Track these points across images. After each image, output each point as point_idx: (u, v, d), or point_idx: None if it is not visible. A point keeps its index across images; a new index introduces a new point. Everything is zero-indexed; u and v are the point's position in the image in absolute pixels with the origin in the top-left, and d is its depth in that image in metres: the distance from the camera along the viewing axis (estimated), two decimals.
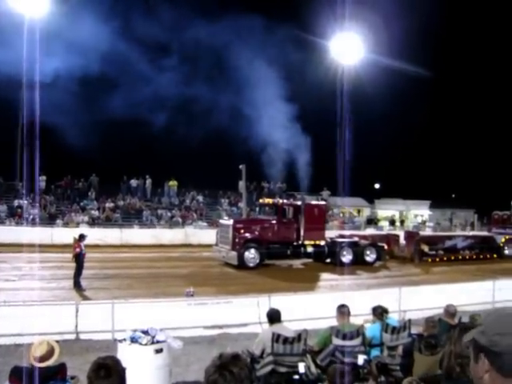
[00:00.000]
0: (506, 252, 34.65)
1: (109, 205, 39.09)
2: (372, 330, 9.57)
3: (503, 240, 34.96)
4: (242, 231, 27.77)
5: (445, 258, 31.91)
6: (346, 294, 14.73)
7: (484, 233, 39.39)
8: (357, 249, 29.44)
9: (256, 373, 8.22)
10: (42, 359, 6.01)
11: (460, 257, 32.47)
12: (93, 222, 36.00)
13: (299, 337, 8.60)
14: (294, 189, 46.47)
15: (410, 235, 33.85)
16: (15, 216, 35.19)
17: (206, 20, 32.34)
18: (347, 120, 30.20)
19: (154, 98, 33.40)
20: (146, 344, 8.62)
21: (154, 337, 8.75)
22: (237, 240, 27.13)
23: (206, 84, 33.31)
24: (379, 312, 9.82)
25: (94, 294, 18.86)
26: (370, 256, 29.69)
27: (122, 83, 32.76)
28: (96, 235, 30.36)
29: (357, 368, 8.61)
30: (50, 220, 35.45)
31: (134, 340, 8.68)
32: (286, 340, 8.48)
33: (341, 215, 46.26)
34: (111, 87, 32.68)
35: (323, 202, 33.35)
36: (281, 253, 27.78)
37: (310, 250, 28.45)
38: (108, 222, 36.74)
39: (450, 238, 34.39)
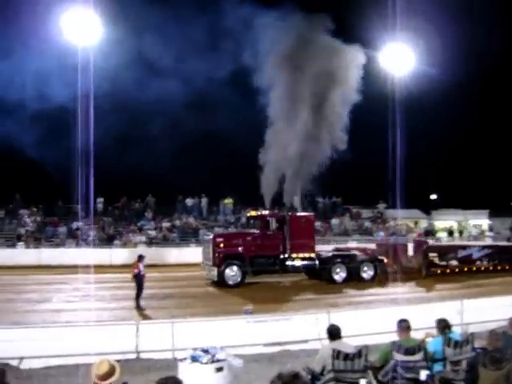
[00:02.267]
0: None
1: (165, 224, 39.51)
2: (434, 344, 9.34)
3: None
4: (222, 246, 26.13)
5: (457, 270, 29.60)
6: (404, 308, 14.52)
7: (504, 242, 36.94)
8: (352, 264, 27.31)
9: None
10: (104, 377, 6.08)
11: (474, 268, 30.09)
12: (150, 242, 36.40)
13: (360, 353, 8.48)
14: (350, 202, 46.22)
15: (417, 244, 31.12)
16: (74, 238, 35.90)
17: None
18: (400, 131, 29.75)
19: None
20: (206, 363, 8.64)
21: (214, 355, 8.76)
22: (216, 255, 25.64)
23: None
24: (442, 326, 9.60)
25: (153, 313, 19.04)
26: (367, 272, 27.41)
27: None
28: (153, 255, 30.64)
29: (419, 383, 8.45)
30: (108, 241, 36.07)
31: (194, 359, 8.71)
32: (346, 356, 8.37)
33: (400, 227, 45.51)
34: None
35: (311, 213, 30.58)
36: (266, 268, 26.27)
37: (298, 263, 26.72)
38: (165, 242, 37.11)
39: (464, 247, 31.83)
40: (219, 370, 8.67)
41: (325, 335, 9.16)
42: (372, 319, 14.84)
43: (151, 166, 37.33)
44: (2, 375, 5.93)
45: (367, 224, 43.93)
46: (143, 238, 36.81)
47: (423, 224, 51.77)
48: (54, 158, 32.56)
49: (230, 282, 25.10)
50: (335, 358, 8.32)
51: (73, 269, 25.21)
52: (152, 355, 13.24)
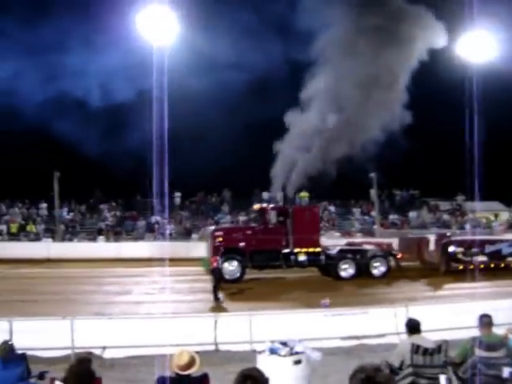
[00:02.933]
0: None
1: (242, 218, 39.79)
2: None
3: None
4: (221, 239, 25.36)
5: (482, 266, 25.98)
6: (486, 303, 14.17)
7: None
8: (361, 260, 25.79)
9: None
10: (185, 368, 6.19)
11: (502, 264, 26.96)
12: None
13: (439, 348, 8.33)
14: (428, 195, 45.34)
15: (438, 238, 28.21)
16: (152, 232, 36.67)
17: None
18: (478, 121, 28.60)
19: None
20: (285, 355, 8.68)
21: (292, 348, 8.80)
22: (215, 249, 24.63)
23: None
24: None
25: (231, 305, 19.23)
26: (378, 268, 25.79)
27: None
28: None
29: (501, 381, 8.24)
30: (185, 235, 36.64)
31: (273, 351, 8.77)
32: (425, 351, 8.23)
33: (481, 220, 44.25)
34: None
35: (316, 206, 29.93)
36: (267, 262, 25.14)
37: (302, 258, 25.25)
38: None
39: (492, 242, 28.38)
40: (297, 362, 8.70)
41: (403, 329, 9.05)
42: (451, 314, 14.57)
43: (227, 160, 37.61)
44: (88, 363, 6.13)
45: (445, 217, 43.00)
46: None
47: (504, 216, 50.27)
48: (132, 153, 33.28)
49: (228, 277, 23.93)
50: (414, 352, 8.20)
51: (151, 262, 25.74)
52: (230, 347, 13.40)
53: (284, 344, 8.87)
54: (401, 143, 29.42)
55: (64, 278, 25.17)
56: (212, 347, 13.37)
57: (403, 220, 41.63)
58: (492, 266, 26.64)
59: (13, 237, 36.25)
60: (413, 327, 8.67)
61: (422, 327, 8.68)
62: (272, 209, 26.54)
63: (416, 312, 12.59)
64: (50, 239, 35.69)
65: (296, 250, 25.20)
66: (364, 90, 27.34)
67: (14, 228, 37.33)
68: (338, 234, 37.83)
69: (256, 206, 28.75)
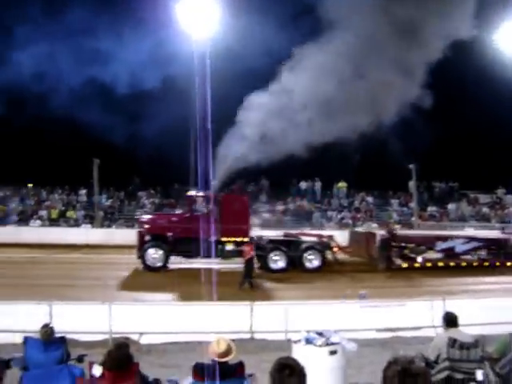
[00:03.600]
0: None
1: (279, 208, 39.82)
2: None
3: None
4: (146, 226, 25.08)
5: (429, 264, 25.14)
6: None
7: (496, 233, 29.56)
8: (292, 252, 24.93)
9: (431, 378, 8.01)
10: (222, 355, 6.26)
11: (452, 263, 25.37)
12: (264, 225, 36.78)
13: (476, 343, 8.25)
14: (468, 187, 44.68)
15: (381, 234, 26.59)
16: None
17: None
18: None
19: None
20: (320, 345, 8.69)
21: (328, 338, 8.80)
22: (140, 236, 24.59)
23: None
24: None
25: (267, 294, 19.30)
26: (312, 262, 24.82)
27: None
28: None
29: None
30: None
31: (308, 341, 8.78)
32: (462, 345, 8.16)
33: None
34: None
35: (245, 195, 28.51)
36: (190, 250, 23.66)
37: (229, 247, 24.46)
38: (279, 225, 37.41)
39: (444, 238, 26.72)
40: (333, 353, 8.70)
41: (439, 323, 8.99)
42: (490, 308, 14.39)
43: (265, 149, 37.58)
44: (127, 348, 6.23)
45: (485, 210, 42.36)
46: (257, 221, 37.27)
47: None
48: (170, 141, 33.47)
49: (150, 264, 23.99)
50: (451, 346, 8.14)
51: None
52: (265, 336, 13.47)
53: (320, 334, 8.87)
54: (426, 133, 28.88)
55: (102, 263, 25.57)
56: (247, 335, 13.45)
57: (442, 212, 41.13)
58: (440, 264, 25.42)
59: (53, 222, 36.84)
60: (450, 321, 8.60)
61: (459, 321, 8.61)
62: (199, 196, 25.71)
63: (453, 305, 12.50)
64: (89, 225, 36.17)
65: (223, 239, 24.51)
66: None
67: (54, 214, 37.90)
68: (375, 225, 37.55)
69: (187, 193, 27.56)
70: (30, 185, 44.26)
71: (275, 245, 25.13)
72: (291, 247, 25.15)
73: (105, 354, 6.04)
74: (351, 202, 42.64)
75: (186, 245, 23.88)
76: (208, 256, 23.02)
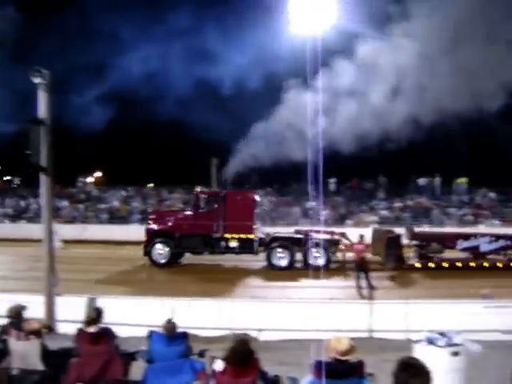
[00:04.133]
0: None
1: (398, 204, 39.16)
2: None
3: None
4: (152, 223, 25.85)
5: (445, 265, 23.83)
6: None
7: None
8: (297, 248, 24.88)
9: None
10: (344, 353, 6.22)
11: (473, 264, 23.84)
12: (382, 222, 36.30)
13: None
14: None
15: (408, 232, 25.97)
16: (307, 217, 36.92)
17: None
18: None
19: None
20: (442, 346, 8.47)
21: (451, 339, 8.56)
22: (147, 232, 25.41)
23: None
24: None
25: (385, 293, 19.01)
26: (317, 259, 24.43)
27: None
28: None
29: None
30: (340, 220, 36.63)
31: (430, 341, 8.58)
32: None
33: None
34: None
35: (251, 192, 27.84)
36: (196, 247, 25.14)
37: (233, 244, 24.82)
38: (397, 222, 36.78)
39: (466, 236, 25.11)
40: (455, 354, 8.45)
41: None
42: None
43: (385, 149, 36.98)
44: (249, 343, 6.32)
45: None
46: (375, 218, 36.85)
47: None
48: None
49: (156, 260, 24.74)
50: None
51: None
52: (385, 335, 13.27)
53: (442, 334, 8.64)
54: None
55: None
56: (366, 334, 13.31)
57: None
58: (459, 264, 23.96)
59: None
60: None
61: None
62: (203, 193, 26.43)
63: None
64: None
65: (227, 236, 24.87)
66: None
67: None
68: (497, 222, 36.15)
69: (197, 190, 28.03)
70: (150, 185, 45.95)
71: (278, 242, 25.16)
72: (294, 244, 25.07)
73: (227, 349, 6.15)
74: (471, 199, 41.20)
75: (191, 241, 24.98)
76: (213, 252, 25.13)
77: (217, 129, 36.95)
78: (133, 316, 13.00)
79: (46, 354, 8.61)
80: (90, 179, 49.57)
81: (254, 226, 25.39)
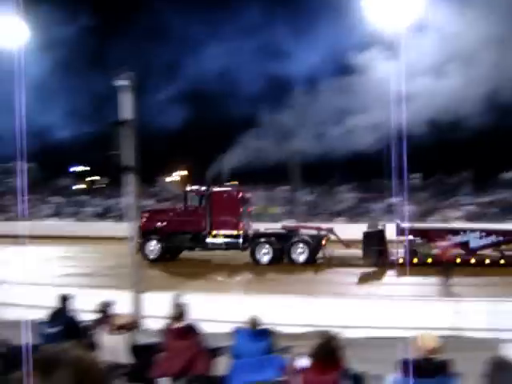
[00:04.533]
0: None
1: (484, 199, 38.14)
2: None
3: None
4: (144, 220, 26.29)
5: (429, 261, 22.77)
6: None
7: None
8: (281, 244, 24.93)
9: None
10: (430, 352, 6.13)
11: (457, 260, 22.21)
12: (468, 218, 35.46)
13: None
14: None
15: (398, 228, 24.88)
16: (390, 213, 36.43)
17: None
18: None
19: None
20: None
21: None
22: (139, 230, 24.44)
23: None
24: None
25: (471, 291, 18.55)
26: (301, 255, 24.60)
27: None
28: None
29: None
30: (423, 216, 35.96)
31: None
32: None
33: None
34: None
35: (236, 189, 27.78)
36: (184, 244, 26.04)
37: (219, 241, 25.40)
38: (484, 217, 35.82)
39: (455, 232, 24.27)
40: None
41: None
42: None
43: (468, 140, 36.03)
44: (335, 340, 6.29)
45: None
46: (461, 214, 36.03)
47: None
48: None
49: (148, 256, 25.49)
50: None
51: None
52: (471, 334, 12.95)
53: None
54: None
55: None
56: (451, 332, 13.02)
57: None
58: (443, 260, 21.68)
59: (256, 218, 38.20)
60: None
61: None
62: (191, 191, 27.39)
63: None
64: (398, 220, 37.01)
65: (214, 233, 25.57)
66: None
67: (258, 209, 39.35)
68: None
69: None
70: (234, 182, 46.30)
71: (261, 238, 25.56)
72: (277, 240, 25.31)
73: (314, 345, 6.15)
74: None
75: (181, 238, 25.90)
76: (202, 248, 25.94)
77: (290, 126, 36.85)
78: (217, 312, 13.15)
79: (134, 349, 8.85)
80: (171, 178, 50.47)
81: (240, 223, 26.02)
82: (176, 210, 27.45)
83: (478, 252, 23.80)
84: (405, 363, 6.04)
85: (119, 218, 36.28)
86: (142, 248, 25.26)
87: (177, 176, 51.71)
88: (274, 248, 25.02)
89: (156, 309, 12.99)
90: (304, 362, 6.20)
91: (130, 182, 14.56)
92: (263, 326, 8.59)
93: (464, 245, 23.68)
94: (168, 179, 49.88)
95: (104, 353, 8.30)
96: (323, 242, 25.52)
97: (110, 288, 15.37)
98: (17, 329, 9.08)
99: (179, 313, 8.63)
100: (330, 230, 26.32)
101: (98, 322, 9.15)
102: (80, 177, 53.24)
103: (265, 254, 25.06)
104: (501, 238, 23.91)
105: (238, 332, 8.59)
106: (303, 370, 6.22)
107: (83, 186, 51.83)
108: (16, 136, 8.38)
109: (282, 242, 25.27)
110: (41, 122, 33.16)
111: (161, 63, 37.54)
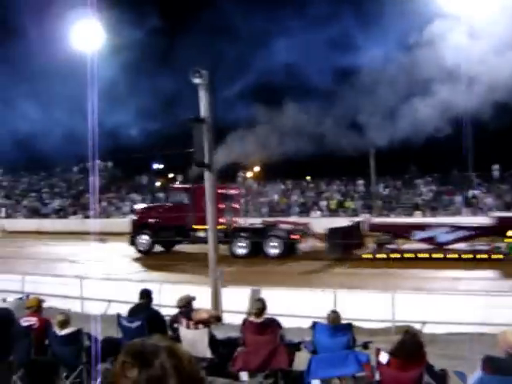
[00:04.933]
0: None
1: None
2: None
3: None
4: (138, 216, 29.25)
5: (393, 256, 22.87)
6: None
7: (487, 219, 25.20)
8: (255, 238, 25.85)
9: None
10: None
11: (426, 255, 22.59)
12: None
13: None
14: None
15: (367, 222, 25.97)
16: (470, 206, 35.63)
17: None
18: None
19: None
20: None
21: None
22: (132, 224, 28.53)
23: None
24: None
25: None
26: (274, 249, 25.44)
27: None
28: None
29: None
30: (506, 209, 34.93)
31: None
32: None
33: None
34: None
35: (219, 186, 25.66)
36: (171, 237, 27.51)
37: (201, 234, 25.18)
38: None
39: (421, 227, 24.49)
40: None
41: None
42: None
43: None
44: (418, 336, 6.24)
45: None
46: None
47: None
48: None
49: (139, 248, 27.45)
50: None
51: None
52: None
53: None
54: None
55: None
56: None
57: None
58: (411, 255, 22.68)
59: (332, 213, 38.08)
60: None
61: None
62: (177, 188, 30.43)
63: None
64: (368, 215, 36.64)
65: (196, 227, 26.36)
66: None
67: (333, 204, 39.25)
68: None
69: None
70: (308, 177, 46.33)
71: (239, 232, 26.71)
72: (252, 234, 26.39)
73: (396, 341, 6.09)
74: None
75: (168, 232, 27.38)
76: (186, 242, 27.46)
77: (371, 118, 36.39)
78: (296, 307, 13.17)
79: (214, 343, 8.97)
80: (249, 174, 50.77)
81: (221, 218, 25.91)
82: (164, 207, 29.07)
83: (450, 247, 23.47)
84: (488, 360, 5.90)
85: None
86: (134, 241, 27.84)
87: (255, 171, 52.05)
88: (251, 242, 26.04)
89: (235, 303, 13.16)
90: (384, 357, 6.15)
91: (208, 179, 14.79)
92: (343, 321, 8.56)
93: (431, 240, 23.66)
94: (246, 175, 50.27)
95: (184, 347, 8.45)
96: (296, 237, 26.25)
97: (190, 283, 15.62)
98: (99, 323, 9.40)
99: (259, 307, 8.71)
100: (305, 226, 27.56)
101: (178, 317, 9.32)
102: (158, 175, 54.28)
103: (241, 248, 26.16)
104: (468, 233, 23.65)
105: (317, 327, 8.58)
106: (383, 366, 6.17)
107: (160, 183, 52.78)
108: (92, 136, 8.61)
109: (259, 237, 26.29)
110: (114, 121, 34.04)
111: (230, 60, 37.59)
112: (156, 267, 23.32)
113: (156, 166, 52.92)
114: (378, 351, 6.47)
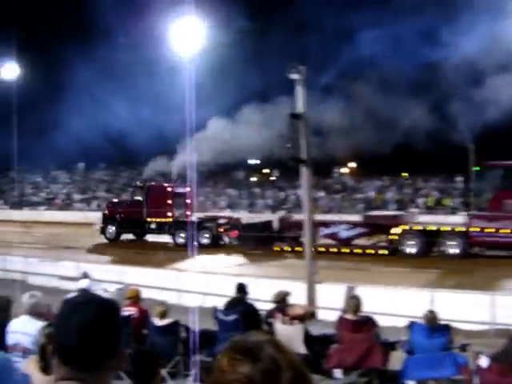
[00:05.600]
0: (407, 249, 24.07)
1: None
2: None
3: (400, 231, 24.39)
4: (107, 209, 33.63)
5: (288, 249, 25.55)
6: None
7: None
8: (189, 230, 28.03)
9: None
10: None
11: (335, 249, 24.88)
12: None
13: None
14: None
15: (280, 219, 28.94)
16: None
17: None
18: None
19: None
20: None
21: None
22: (102, 217, 32.98)
23: None
24: None
25: None
26: (204, 240, 28.49)
27: None
28: None
29: None
30: None
31: None
32: None
33: None
34: None
35: (169, 184, 33.52)
36: (131, 228, 32.31)
37: (152, 226, 31.40)
38: None
39: (326, 224, 26.29)
40: None
41: None
42: None
43: None
44: None
45: None
46: None
47: None
48: None
49: (108, 237, 32.05)
50: None
51: None
52: None
53: None
54: None
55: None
56: None
57: None
58: (322, 249, 22.90)
59: (430, 210, 37.21)
60: None
61: None
62: (135, 186, 34.95)
63: None
64: (284, 212, 35.79)
65: (149, 220, 31.21)
66: None
67: (430, 202, 38.39)
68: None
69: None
70: (405, 174, 45.53)
71: (177, 225, 30.21)
72: (186, 227, 29.18)
73: (499, 346, 5.94)
74: None
75: (128, 224, 31.97)
76: (143, 233, 32.49)
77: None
78: (393, 306, 13.00)
79: (309, 339, 9.00)
80: (345, 170, 50.49)
81: (170, 213, 30.98)
82: (127, 202, 33.49)
83: (354, 242, 25.70)
84: None
85: (292, 209, 36.93)
86: (104, 231, 32.25)
87: (351, 167, 51.73)
88: (188, 234, 28.51)
89: (330, 300, 13.13)
90: (484, 361, 6.00)
91: (304, 175, 14.79)
92: (441, 322, 8.40)
93: (334, 235, 25.98)
94: (343, 170, 50.05)
95: None
96: (222, 230, 29.57)
97: (285, 278, 15.71)
98: (195, 315, 9.61)
99: (355, 305, 8.67)
100: (237, 220, 30.67)
101: (273, 312, 9.40)
102: (254, 170, 54.73)
103: (181, 238, 29.43)
104: (363, 230, 25.84)
105: (414, 327, 8.46)
106: (483, 371, 6.02)
107: (255, 178, 53.25)
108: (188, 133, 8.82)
109: (195, 229, 28.36)
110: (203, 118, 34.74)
111: (318, 54, 37.15)
112: (254, 261, 24.07)
113: (252, 161, 53.21)
114: (477, 355, 6.32)
